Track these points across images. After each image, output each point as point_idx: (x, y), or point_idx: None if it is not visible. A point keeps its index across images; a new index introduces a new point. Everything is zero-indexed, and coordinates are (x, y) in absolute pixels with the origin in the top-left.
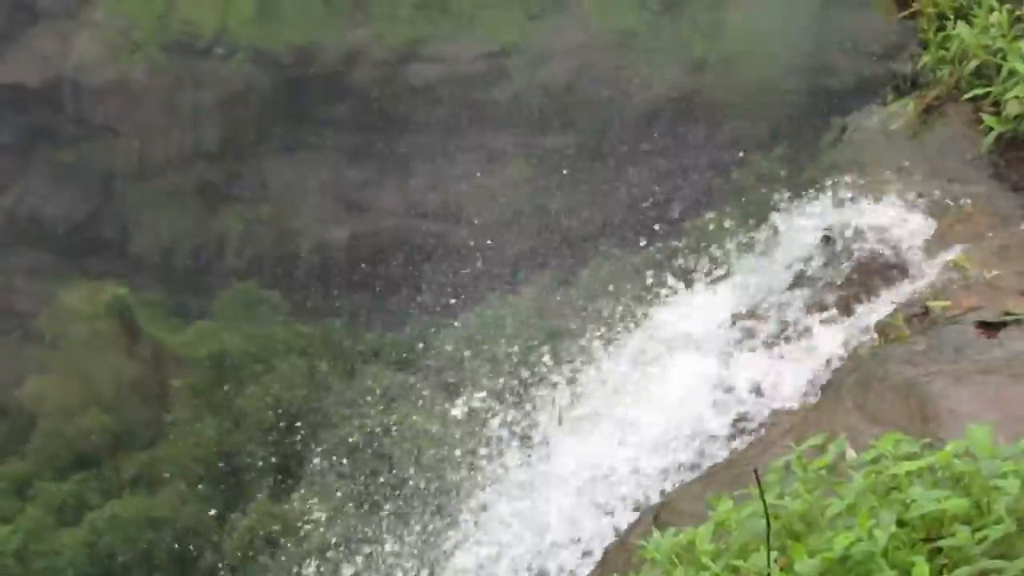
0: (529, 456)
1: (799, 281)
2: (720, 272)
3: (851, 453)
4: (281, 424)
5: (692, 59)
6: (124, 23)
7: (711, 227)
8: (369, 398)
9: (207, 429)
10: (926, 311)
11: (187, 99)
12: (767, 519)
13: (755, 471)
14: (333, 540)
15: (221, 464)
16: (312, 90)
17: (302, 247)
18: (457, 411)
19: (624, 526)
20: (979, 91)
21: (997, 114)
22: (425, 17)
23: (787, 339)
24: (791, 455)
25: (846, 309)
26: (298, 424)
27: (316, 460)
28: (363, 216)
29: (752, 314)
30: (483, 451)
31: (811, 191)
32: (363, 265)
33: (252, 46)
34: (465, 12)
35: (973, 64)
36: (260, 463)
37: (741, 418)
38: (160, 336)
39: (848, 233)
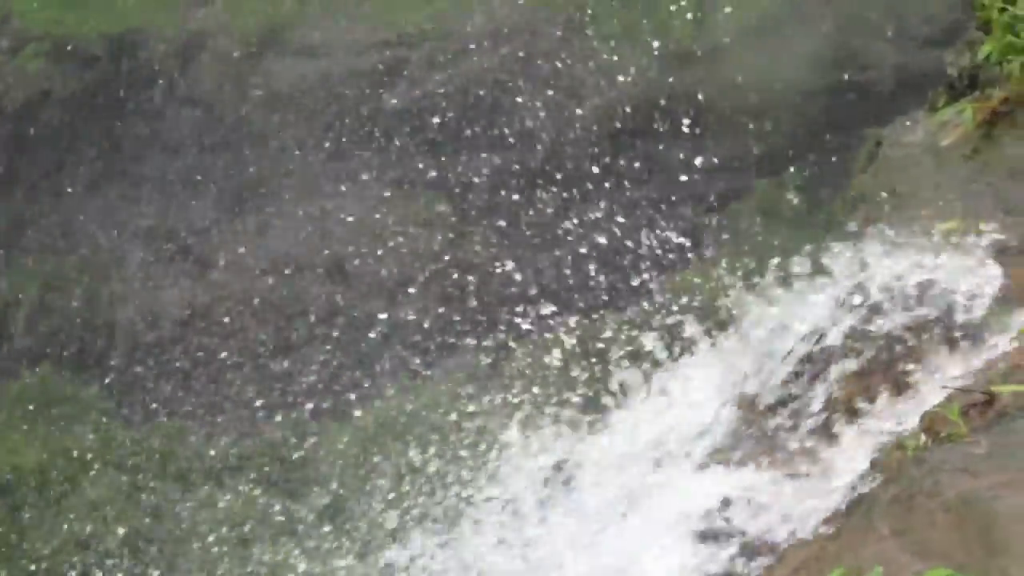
0: None
1: (816, 360)
2: (706, 349)
3: None
4: (96, 570)
5: (672, 48)
6: None
7: (696, 285)
8: (224, 530)
9: None
10: (990, 398)
11: None
12: None
13: None
14: None
15: None
16: (133, 97)
17: (121, 318)
18: (347, 549)
19: None
20: None
21: None
22: None
23: (798, 442)
24: None
25: (880, 397)
26: (120, 569)
27: None
28: (207, 273)
29: (750, 409)
30: None
31: (834, 232)
32: (208, 343)
33: (49, 35)
34: None
35: None
36: None
37: (735, 555)
38: None
39: (883, 291)
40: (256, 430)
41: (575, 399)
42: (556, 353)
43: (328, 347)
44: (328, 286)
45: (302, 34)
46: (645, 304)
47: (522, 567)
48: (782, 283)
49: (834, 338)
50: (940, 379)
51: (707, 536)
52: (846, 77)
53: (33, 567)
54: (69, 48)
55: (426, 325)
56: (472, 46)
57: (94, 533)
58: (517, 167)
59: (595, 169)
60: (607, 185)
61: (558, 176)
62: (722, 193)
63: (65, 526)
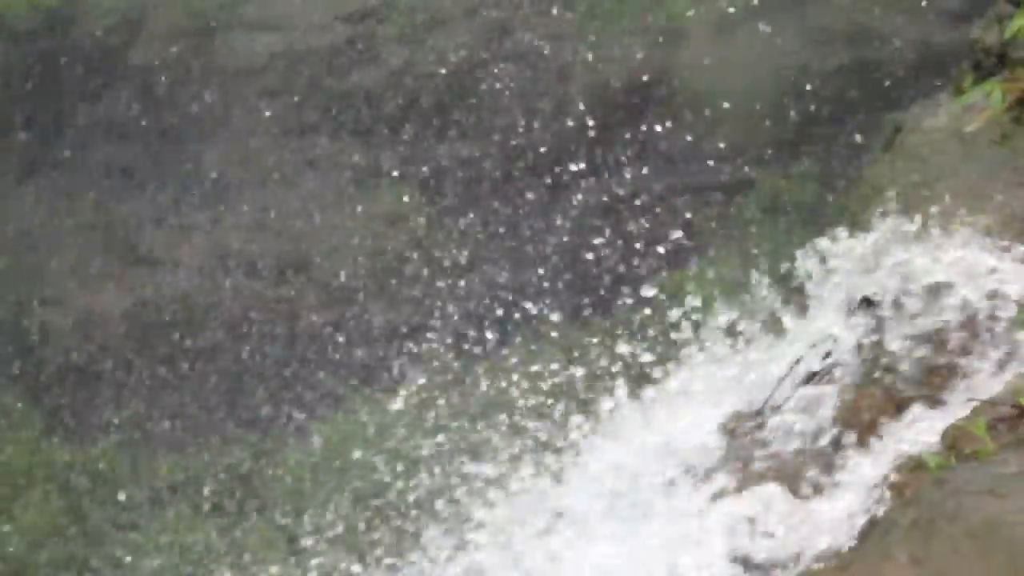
0: None
1: (825, 371)
2: (704, 358)
3: None
4: None
5: (663, 24)
6: None
7: (694, 287)
8: (165, 557)
9: None
10: (1021, 412)
11: None
12: None
13: None
14: None
15: None
16: (70, 76)
17: (56, 324)
18: None
19: None
20: None
21: None
22: None
23: (805, 461)
24: None
25: (897, 411)
26: None
27: None
28: (152, 273)
29: (754, 425)
30: None
31: (846, 229)
32: (152, 350)
33: None
34: None
35: None
36: None
37: None
38: None
39: (901, 294)
40: (204, 448)
41: (557, 415)
42: (537, 364)
43: (284, 356)
44: (285, 288)
45: (258, 7)
46: (638, 308)
47: None
48: (788, 285)
49: (846, 347)
50: (964, 391)
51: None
52: (861, 55)
53: None
54: None
55: (389, 329)
56: (445, 19)
57: (27, 559)
58: (495, 154)
59: (582, 158)
60: (595, 176)
61: (541, 165)
62: (723, 185)
63: None
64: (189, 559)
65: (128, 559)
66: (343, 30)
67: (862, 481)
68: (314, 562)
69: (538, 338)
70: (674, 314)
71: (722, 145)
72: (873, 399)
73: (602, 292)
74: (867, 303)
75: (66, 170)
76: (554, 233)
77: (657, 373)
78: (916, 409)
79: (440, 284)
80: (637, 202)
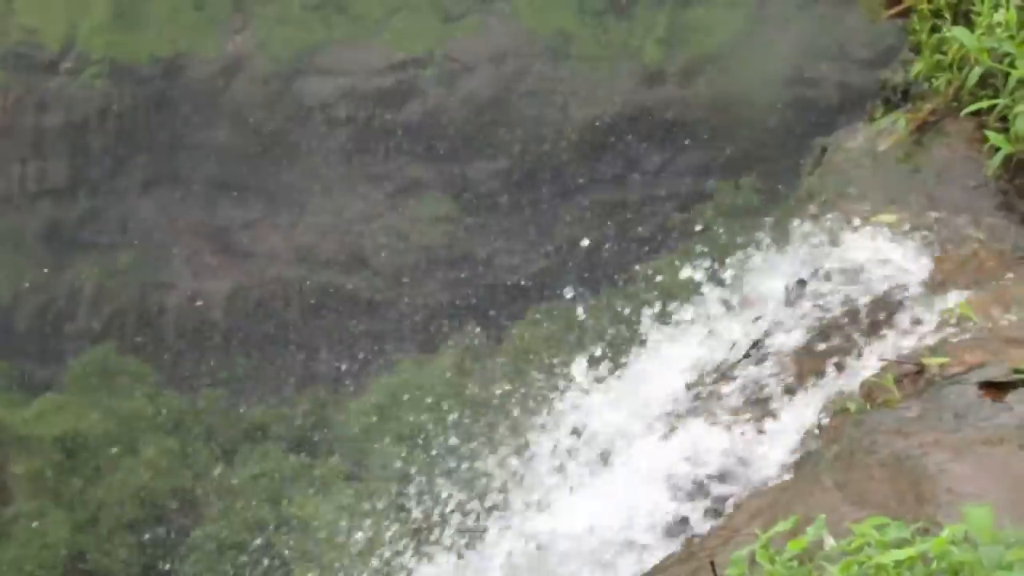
0: (458, 556)
1: (770, 336)
2: (676, 327)
3: (830, 541)
4: (147, 518)
5: (645, 68)
6: None
7: (667, 273)
8: (254, 486)
9: (57, 526)
10: (920, 369)
11: (28, 122)
12: None
13: (712, 563)
14: None
15: (74, 568)
16: (182, 111)
17: (171, 302)
18: (362, 503)
19: None
20: (983, 104)
21: (1005, 131)
22: (320, 20)
23: (755, 407)
24: (756, 544)
25: (824, 368)
26: (168, 518)
27: (190, 562)
28: (245, 263)
29: (714, 379)
30: (390, 554)
31: (785, 226)
32: (246, 323)
33: (108, 58)
34: (369, 14)
35: (976, 72)
36: (121, 566)
37: (701, 504)
38: None
39: (827, 277)
40: (283, 400)
41: (563, 370)
42: (548, 332)
43: (345, 326)
44: (347, 274)
45: (329, 56)
46: (624, 289)
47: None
48: (738, 272)
49: (785, 320)
50: (877, 353)
51: (677, 488)
52: (800, 92)
53: (92, 514)
54: (125, 69)
55: (433, 306)
56: (475, 67)
57: (146, 487)
58: (513, 171)
59: (581, 173)
60: (592, 187)
61: (549, 179)
62: (689, 194)
63: (121, 480)
64: (273, 486)
65: (226, 489)
66: (392, 75)
67: (797, 424)
68: (373, 490)
69: (544, 311)
70: (651, 294)
71: (688, 163)
72: (806, 359)
73: (597, 276)
74: (801, 283)
75: (179, 184)
76: (561, 232)
77: (638, 338)
78: (840, 367)
79: (469, 271)
80: (624, 208)
